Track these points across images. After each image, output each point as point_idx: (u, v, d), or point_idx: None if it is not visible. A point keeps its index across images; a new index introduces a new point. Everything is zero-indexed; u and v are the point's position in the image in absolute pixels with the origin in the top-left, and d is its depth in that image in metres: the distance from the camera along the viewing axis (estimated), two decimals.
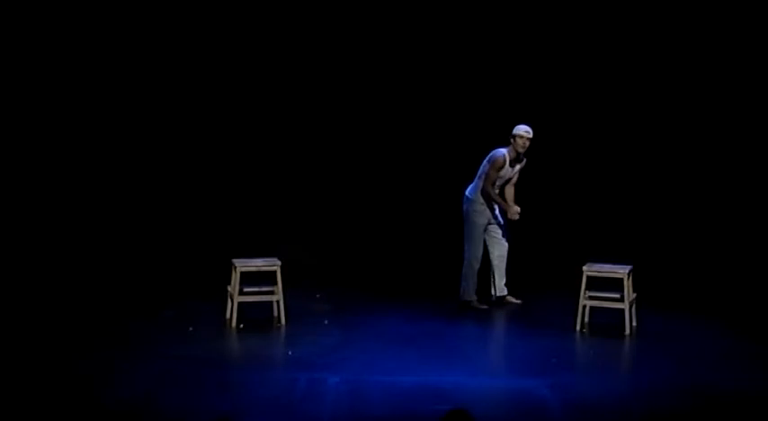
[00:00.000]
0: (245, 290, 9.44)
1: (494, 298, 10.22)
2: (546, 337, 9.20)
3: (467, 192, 10.10)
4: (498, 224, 10.09)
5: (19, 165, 11.16)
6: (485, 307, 10.05)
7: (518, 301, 10.19)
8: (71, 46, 11.18)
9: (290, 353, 8.67)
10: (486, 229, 10.08)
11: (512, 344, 8.94)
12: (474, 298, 10.08)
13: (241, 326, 9.32)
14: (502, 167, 9.89)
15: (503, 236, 10.11)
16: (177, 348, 8.71)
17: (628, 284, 9.37)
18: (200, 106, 11.51)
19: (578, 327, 9.43)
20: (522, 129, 9.86)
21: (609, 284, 9.76)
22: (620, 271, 9.48)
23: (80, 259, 11.00)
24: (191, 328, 9.26)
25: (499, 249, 10.13)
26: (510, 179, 10.06)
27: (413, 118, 11.69)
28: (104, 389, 7.68)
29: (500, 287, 10.21)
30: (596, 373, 8.45)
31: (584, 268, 9.57)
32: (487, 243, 10.13)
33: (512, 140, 9.88)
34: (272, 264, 9.45)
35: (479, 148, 11.65)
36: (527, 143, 9.86)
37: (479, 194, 9.99)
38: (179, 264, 11.09)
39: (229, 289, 9.50)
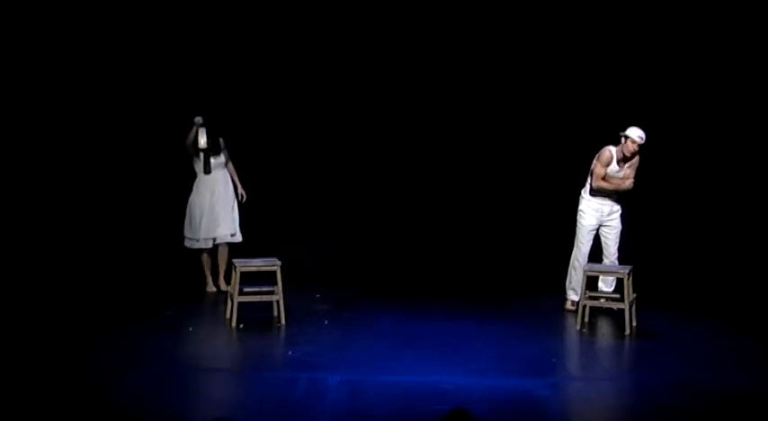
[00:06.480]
0: (245, 290, 9.43)
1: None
2: (546, 337, 9.19)
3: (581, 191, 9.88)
4: (616, 232, 9.80)
5: (19, 164, 11.16)
6: (573, 309, 9.82)
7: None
8: (69, 46, 11.19)
9: (290, 352, 8.67)
10: (599, 231, 9.81)
11: (512, 344, 8.93)
12: (570, 298, 9.89)
13: (241, 326, 9.32)
14: (609, 164, 9.54)
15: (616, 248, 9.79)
16: (177, 348, 8.71)
17: (628, 284, 9.37)
18: (201, 106, 11.49)
19: (578, 327, 9.43)
20: (636, 134, 9.41)
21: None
22: (620, 271, 9.48)
23: (80, 259, 11.00)
24: (191, 328, 9.25)
25: (608, 258, 9.84)
26: (624, 178, 9.67)
27: (411, 119, 11.67)
28: (104, 388, 7.68)
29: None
30: (596, 373, 8.46)
31: (585, 268, 9.57)
32: (602, 247, 9.90)
33: (622, 140, 9.51)
34: (272, 264, 9.44)
35: (477, 148, 11.71)
36: (636, 149, 9.46)
37: (588, 194, 9.73)
38: (179, 264, 11.08)
39: (229, 289, 9.49)
